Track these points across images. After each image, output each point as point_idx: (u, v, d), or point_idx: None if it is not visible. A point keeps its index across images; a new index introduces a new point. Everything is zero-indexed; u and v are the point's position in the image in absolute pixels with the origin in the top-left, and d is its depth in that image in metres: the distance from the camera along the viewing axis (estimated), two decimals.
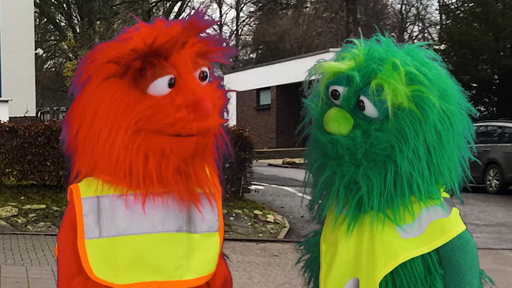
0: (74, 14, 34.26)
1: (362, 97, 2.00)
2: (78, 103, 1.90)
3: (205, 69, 1.89)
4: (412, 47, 2.12)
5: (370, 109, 1.99)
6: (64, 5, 34.60)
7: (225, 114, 1.99)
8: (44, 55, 34.94)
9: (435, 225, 2.03)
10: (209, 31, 1.91)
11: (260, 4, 47.00)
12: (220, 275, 2.05)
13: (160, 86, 1.81)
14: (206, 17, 1.88)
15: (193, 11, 1.90)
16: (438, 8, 43.89)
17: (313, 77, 2.18)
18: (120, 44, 1.86)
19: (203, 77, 1.88)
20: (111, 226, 1.86)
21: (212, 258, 1.98)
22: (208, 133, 1.88)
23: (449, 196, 2.13)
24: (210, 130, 1.88)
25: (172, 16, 37.09)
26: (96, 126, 1.83)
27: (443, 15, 35.68)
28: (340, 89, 2.04)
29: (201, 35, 1.88)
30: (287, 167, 23.59)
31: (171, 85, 1.81)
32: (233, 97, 2.01)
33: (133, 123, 1.79)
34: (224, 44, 1.93)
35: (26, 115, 17.66)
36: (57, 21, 35.96)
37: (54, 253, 2.02)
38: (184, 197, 1.89)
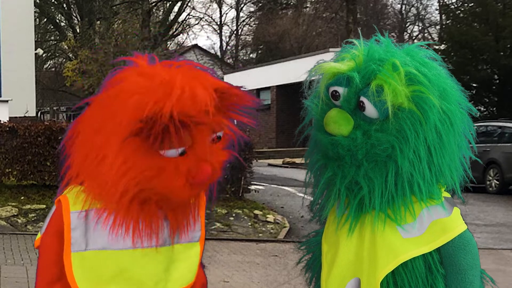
0: (74, 14, 34.26)
1: (362, 98, 2.00)
2: (91, 118, 1.87)
3: (220, 133, 1.87)
4: (411, 47, 2.12)
5: (370, 110, 1.99)
6: (64, 5, 34.61)
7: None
8: (44, 55, 34.94)
9: (436, 225, 2.03)
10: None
11: (260, 4, 47.00)
12: (198, 283, 2.07)
13: (171, 154, 1.80)
14: (239, 90, 1.87)
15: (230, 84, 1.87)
16: (438, 8, 43.92)
17: (313, 78, 2.19)
18: (152, 92, 1.76)
19: (215, 141, 1.87)
20: (96, 240, 1.89)
21: (193, 268, 2.01)
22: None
23: (450, 196, 2.13)
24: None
25: (172, 16, 37.07)
26: (103, 154, 1.81)
27: (443, 15, 35.69)
28: (340, 89, 2.04)
29: (225, 98, 1.84)
30: (287, 167, 23.59)
31: (181, 154, 1.81)
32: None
33: (132, 185, 1.79)
34: (247, 104, 1.91)
35: (26, 115, 17.67)
36: (57, 21, 35.96)
37: (34, 243, 2.06)
38: (169, 214, 1.92)
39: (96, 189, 1.87)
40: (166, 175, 1.80)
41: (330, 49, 26.79)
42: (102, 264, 1.88)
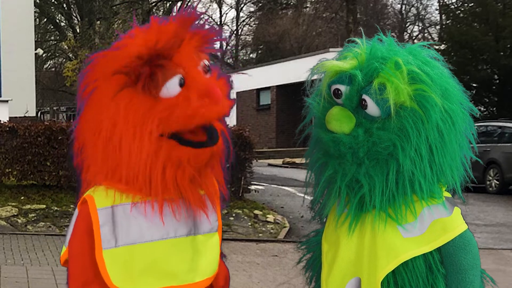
0: (74, 14, 34.25)
1: (364, 96, 2.00)
2: (88, 115, 1.91)
3: (206, 62, 1.92)
4: (414, 46, 2.12)
5: (372, 108, 1.99)
6: (64, 5, 34.59)
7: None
8: (44, 55, 34.94)
9: (437, 224, 2.03)
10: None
11: (260, 4, 47.01)
12: (221, 274, 2.08)
13: (172, 87, 1.83)
14: (193, 11, 1.91)
15: (179, 7, 1.94)
16: (438, 8, 43.92)
17: (315, 76, 2.19)
18: (119, 52, 1.86)
19: (206, 70, 1.91)
20: (126, 235, 1.89)
21: (215, 258, 2.02)
22: (219, 142, 1.91)
23: (451, 196, 2.13)
24: (226, 115, 1.92)
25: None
26: (117, 136, 1.84)
27: (443, 15, 35.67)
28: (343, 88, 2.04)
29: (193, 28, 1.90)
30: (287, 167, 23.59)
31: (181, 84, 1.84)
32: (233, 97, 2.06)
33: (155, 127, 1.82)
34: (215, 31, 1.96)
35: (26, 115, 17.67)
36: (57, 21, 35.94)
37: (60, 259, 2.03)
38: (195, 204, 1.93)
39: (121, 177, 1.86)
40: (180, 108, 1.82)
41: (330, 49, 26.80)
42: (134, 258, 1.88)
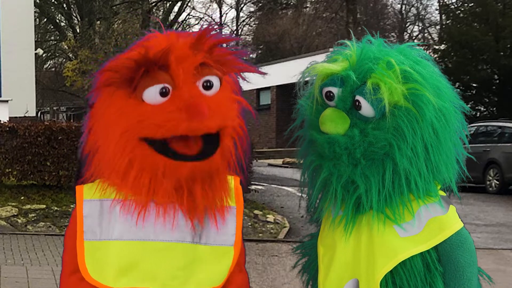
0: (74, 14, 34.23)
1: (358, 97, 2.00)
2: (91, 111, 1.95)
3: (210, 78, 1.86)
4: (403, 46, 2.13)
5: (366, 109, 1.99)
6: (64, 5, 34.57)
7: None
8: (44, 55, 34.92)
9: (434, 222, 2.04)
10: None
11: (260, 4, 46.99)
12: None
13: (151, 94, 1.81)
14: (218, 32, 1.90)
15: (205, 25, 1.91)
16: (438, 8, 43.89)
17: (307, 79, 2.19)
18: (126, 54, 1.88)
19: (207, 86, 1.85)
20: (110, 230, 1.89)
21: (220, 271, 1.95)
22: (214, 157, 1.84)
23: (445, 195, 2.14)
24: (206, 132, 1.82)
25: (172, 16, 37.13)
26: (95, 132, 1.89)
27: (443, 15, 35.65)
28: (335, 90, 2.05)
29: (214, 46, 1.88)
30: (287, 167, 23.57)
31: (164, 94, 1.81)
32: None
33: (129, 128, 1.81)
34: (238, 55, 1.97)
35: (26, 115, 17.65)
36: (57, 21, 35.92)
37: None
38: (187, 211, 1.89)
39: (108, 173, 1.88)
40: (154, 116, 1.78)
41: (330, 49, 26.73)
42: (114, 254, 1.88)
